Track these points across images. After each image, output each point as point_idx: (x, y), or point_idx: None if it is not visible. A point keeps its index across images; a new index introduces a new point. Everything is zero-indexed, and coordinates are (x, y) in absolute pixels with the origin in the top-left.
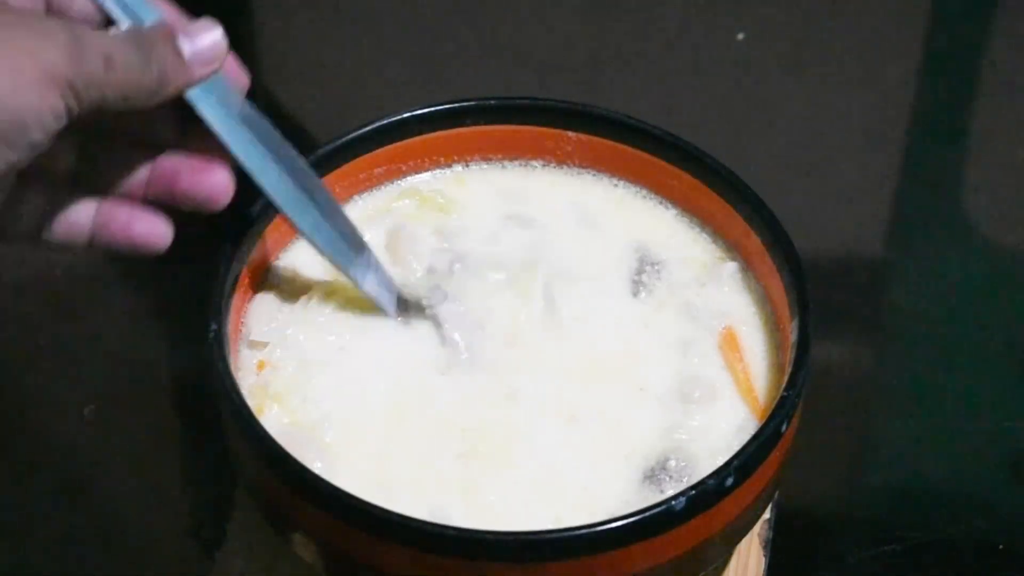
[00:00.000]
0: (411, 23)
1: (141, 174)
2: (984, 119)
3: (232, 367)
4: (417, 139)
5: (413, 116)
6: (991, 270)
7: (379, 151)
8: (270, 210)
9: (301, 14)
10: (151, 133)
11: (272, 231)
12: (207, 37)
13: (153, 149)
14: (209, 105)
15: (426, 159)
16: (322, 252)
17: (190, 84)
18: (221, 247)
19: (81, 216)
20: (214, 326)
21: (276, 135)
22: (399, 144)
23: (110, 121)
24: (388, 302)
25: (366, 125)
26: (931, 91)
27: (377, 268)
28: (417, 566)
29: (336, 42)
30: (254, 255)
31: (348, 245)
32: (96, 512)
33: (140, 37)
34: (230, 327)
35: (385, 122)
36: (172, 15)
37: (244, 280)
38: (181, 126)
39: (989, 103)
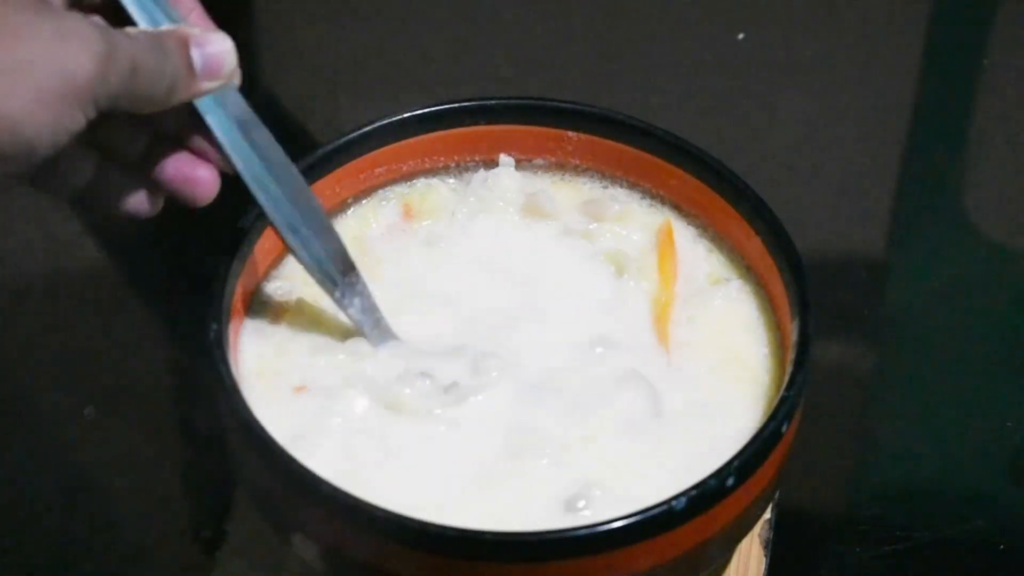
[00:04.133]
0: (411, 23)
1: (138, 150)
2: (984, 119)
3: (232, 367)
4: (417, 139)
5: (413, 116)
6: (991, 270)
7: (379, 151)
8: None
9: (301, 14)
10: (156, 120)
11: (273, 231)
12: (218, 50)
13: (155, 133)
14: (213, 110)
15: (426, 159)
16: (309, 270)
17: (195, 96)
18: (222, 247)
19: (83, 168)
20: (214, 326)
21: (276, 147)
22: (399, 144)
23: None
24: (370, 329)
25: (366, 125)
26: (931, 91)
27: (364, 294)
28: (417, 566)
29: (336, 42)
30: (255, 254)
31: (337, 266)
32: (96, 512)
33: (159, 42)
34: (230, 327)
35: (385, 122)
36: (193, 14)
37: (245, 280)
38: (186, 120)
39: (989, 103)
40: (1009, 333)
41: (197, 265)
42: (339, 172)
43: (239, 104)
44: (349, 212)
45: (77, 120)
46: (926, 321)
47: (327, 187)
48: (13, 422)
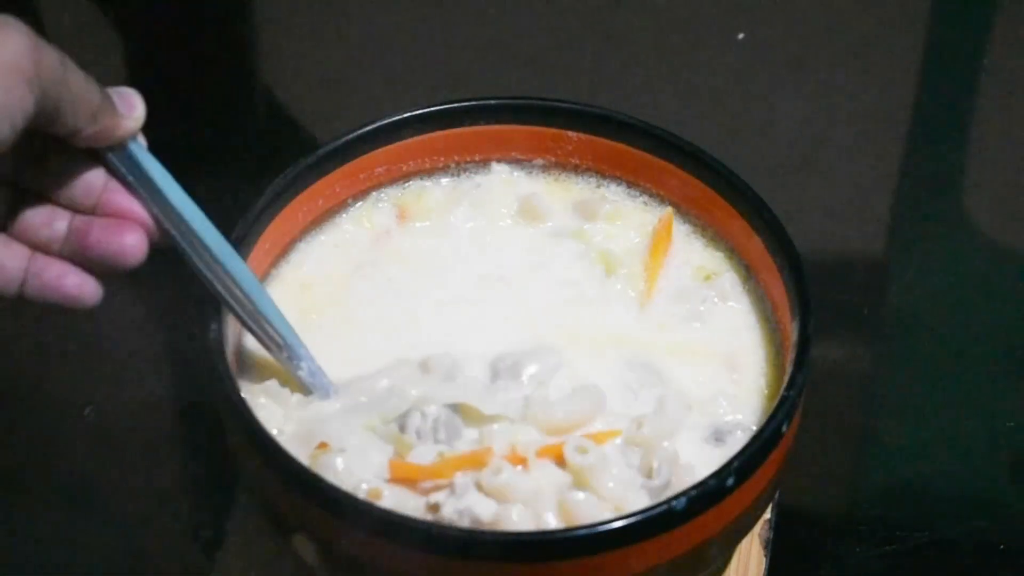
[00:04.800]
0: (411, 23)
1: (60, 231)
2: (984, 119)
3: (232, 367)
4: (417, 139)
5: (413, 116)
6: (991, 270)
7: (379, 151)
8: (271, 211)
9: (301, 14)
10: (70, 196)
11: (272, 231)
12: (128, 90)
13: (71, 211)
14: (137, 173)
15: (425, 159)
16: (253, 330)
17: (117, 131)
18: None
19: (13, 265)
20: (214, 326)
21: (199, 211)
22: (399, 144)
23: (33, 179)
24: (323, 387)
25: (366, 125)
26: (931, 91)
27: (308, 357)
28: (417, 566)
29: (336, 42)
30: (255, 254)
31: (277, 327)
32: (96, 512)
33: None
34: (230, 328)
35: (385, 122)
36: None
37: None
38: (102, 189)
39: (989, 103)
40: (1009, 333)
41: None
42: (338, 172)
43: (155, 164)
44: (346, 213)
45: (27, 100)
46: (926, 321)
47: (326, 187)
48: (13, 422)
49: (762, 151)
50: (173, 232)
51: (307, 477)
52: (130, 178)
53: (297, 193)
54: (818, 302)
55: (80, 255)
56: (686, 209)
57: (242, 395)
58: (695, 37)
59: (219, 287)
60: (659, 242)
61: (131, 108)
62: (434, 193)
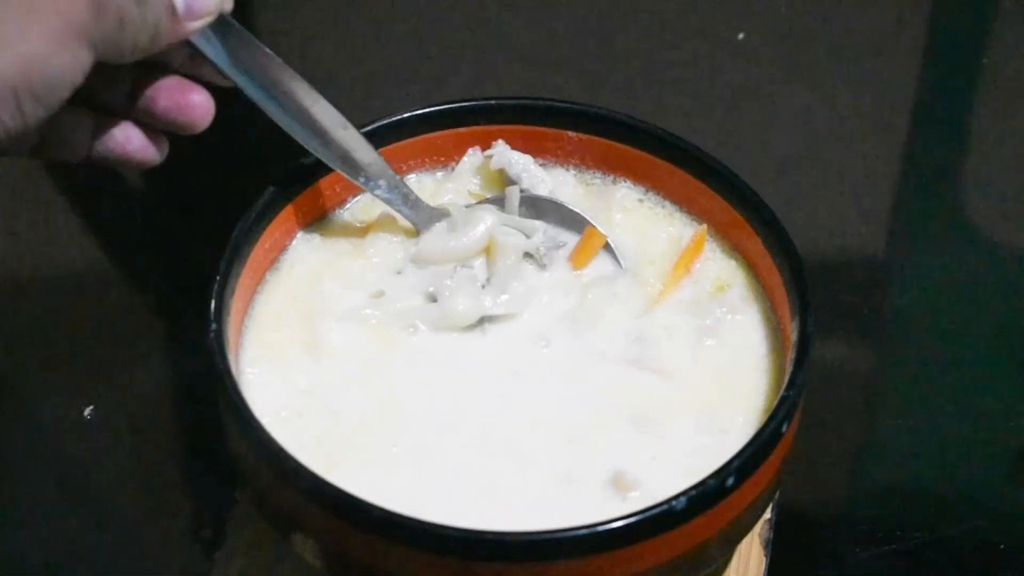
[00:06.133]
0: (411, 23)
1: (125, 93)
2: (984, 119)
3: (232, 367)
4: (417, 139)
5: (413, 116)
6: (991, 270)
7: (379, 151)
8: (272, 209)
9: (301, 14)
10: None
11: (274, 230)
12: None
13: (138, 72)
14: (204, 36)
15: (426, 159)
16: (331, 162)
17: (181, 38)
18: (222, 246)
19: (78, 131)
20: (214, 326)
21: (274, 57)
22: (399, 144)
23: None
24: (401, 204)
25: (366, 125)
26: (931, 91)
27: (386, 174)
28: (417, 566)
29: (336, 42)
30: (255, 254)
31: (357, 156)
32: (96, 512)
33: None
34: (230, 327)
35: (385, 122)
36: None
37: (245, 280)
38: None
39: (989, 103)
40: (1009, 333)
41: (197, 265)
42: (339, 172)
43: (229, 26)
44: (346, 211)
45: (86, 59)
46: (926, 321)
47: (327, 186)
48: (13, 422)
49: (762, 151)
50: (244, 88)
51: (307, 477)
52: (208, 54)
53: (297, 193)
54: (818, 302)
55: (149, 117)
56: (686, 208)
57: (242, 394)
58: (695, 37)
59: (300, 133)
60: (685, 257)
61: (197, 14)
62: (429, 185)
